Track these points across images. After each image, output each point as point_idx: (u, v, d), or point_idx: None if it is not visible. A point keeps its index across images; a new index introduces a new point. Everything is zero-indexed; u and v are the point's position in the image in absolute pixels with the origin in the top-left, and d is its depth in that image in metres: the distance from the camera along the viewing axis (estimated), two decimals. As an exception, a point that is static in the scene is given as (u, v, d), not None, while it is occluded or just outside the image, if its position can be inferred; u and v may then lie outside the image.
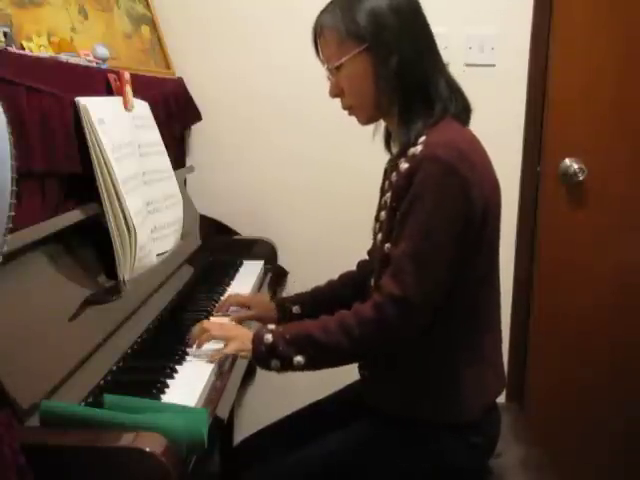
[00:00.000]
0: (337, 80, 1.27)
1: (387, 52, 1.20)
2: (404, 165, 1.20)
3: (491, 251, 1.27)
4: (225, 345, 1.29)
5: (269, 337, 1.22)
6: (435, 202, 1.14)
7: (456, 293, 1.22)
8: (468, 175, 1.14)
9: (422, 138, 1.19)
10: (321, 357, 1.22)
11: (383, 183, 1.37)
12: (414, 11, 1.24)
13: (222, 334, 1.31)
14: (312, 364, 1.22)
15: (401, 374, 1.27)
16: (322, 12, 1.26)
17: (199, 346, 1.31)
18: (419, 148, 1.18)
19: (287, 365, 1.21)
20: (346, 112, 1.33)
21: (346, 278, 1.57)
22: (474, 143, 1.24)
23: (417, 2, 1.25)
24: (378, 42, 1.20)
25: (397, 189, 1.21)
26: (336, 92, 1.29)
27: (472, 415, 1.25)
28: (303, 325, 1.25)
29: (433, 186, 1.14)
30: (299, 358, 1.20)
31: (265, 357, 1.22)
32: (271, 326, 1.27)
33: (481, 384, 1.26)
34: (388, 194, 1.26)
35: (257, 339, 1.24)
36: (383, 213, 1.29)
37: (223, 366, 1.32)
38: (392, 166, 1.29)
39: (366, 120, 1.31)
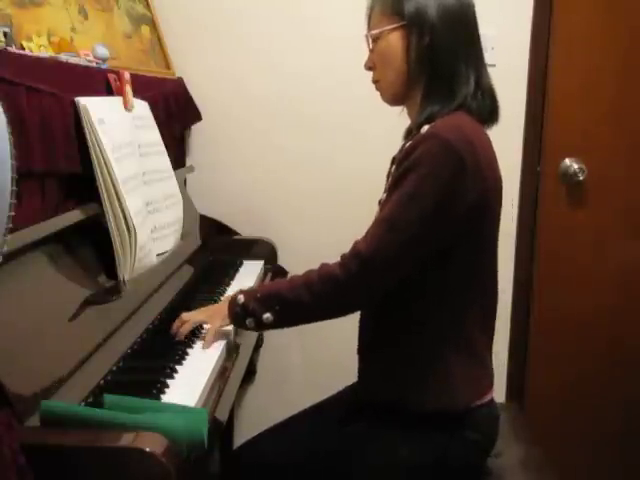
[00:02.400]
0: (372, 52, 1.31)
1: (421, 34, 1.23)
2: (408, 143, 1.22)
3: (487, 246, 1.28)
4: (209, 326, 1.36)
5: (241, 297, 1.30)
6: (426, 174, 1.15)
7: (450, 285, 1.23)
8: (467, 158, 1.15)
9: (432, 123, 1.20)
10: (287, 313, 1.27)
11: (390, 169, 1.38)
12: (460, 10, 1.26)
13: (201, 317, 1.39)
14: (280, 321, 1.27)
15: (392, 362, 1.28)
16: None
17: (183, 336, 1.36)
18: (425, 128, 1.19)
19: (259, 322, 1.27)
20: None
21: None
22: (482, 136, 1.24)
23: (468, 6, 1.28)
24: (415, 22, 1.24)
25: (397, 164, 1.23)
26: (370, 64, 1.33)
27: (463, 405, 1.25)
28: (274, 283, 1.32)
29: (429, 160, 1.15)
30: (267, 315, 1.25)
31: (240, 317, 1.29)
32: (245, 288, 1.36)
33: (469, 375, 1.26)
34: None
35: (232, 302, 1.31)
36: (384, 195, 1.30)
37: (223, 366, 1.33)
38: (400, 150, 1.31)
39: (389, 96, 1.33)
